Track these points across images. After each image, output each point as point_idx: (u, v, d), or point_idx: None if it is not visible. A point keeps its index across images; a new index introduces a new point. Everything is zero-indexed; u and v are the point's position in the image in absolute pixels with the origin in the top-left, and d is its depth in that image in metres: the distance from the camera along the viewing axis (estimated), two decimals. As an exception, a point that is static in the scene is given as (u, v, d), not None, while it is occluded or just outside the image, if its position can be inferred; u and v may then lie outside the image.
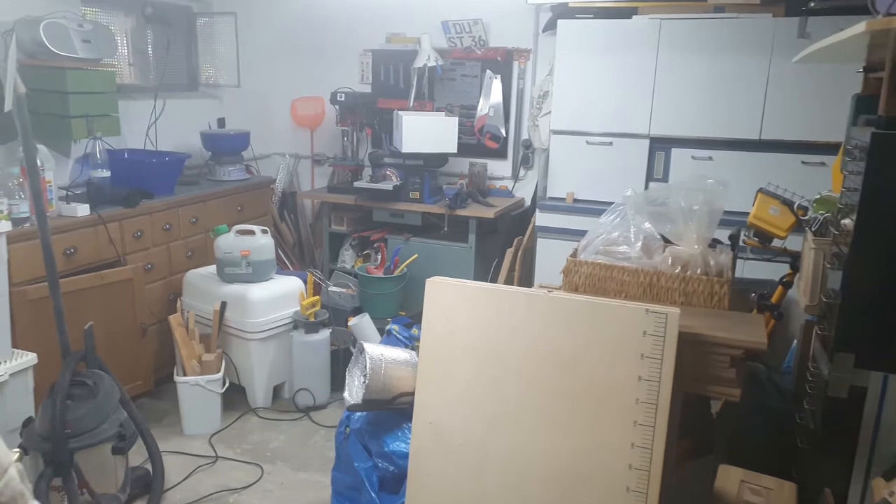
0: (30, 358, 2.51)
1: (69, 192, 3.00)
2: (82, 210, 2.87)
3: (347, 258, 4.39)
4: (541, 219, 3.65)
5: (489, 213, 3.74)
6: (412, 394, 1.87)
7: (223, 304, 3.14)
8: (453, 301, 1.79)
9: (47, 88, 2.99)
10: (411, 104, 4.13)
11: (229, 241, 3.21)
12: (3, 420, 2.39)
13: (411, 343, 2.48)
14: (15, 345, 2.55)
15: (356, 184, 4.01)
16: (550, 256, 3.53)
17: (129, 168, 3.30)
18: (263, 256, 3.24)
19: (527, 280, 3.73)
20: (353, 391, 2.14)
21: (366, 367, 2.05)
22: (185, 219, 3.44)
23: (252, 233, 3.24)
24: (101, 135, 3.06)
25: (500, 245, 3.90)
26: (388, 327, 2.63)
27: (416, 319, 3.95)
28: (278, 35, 4.55)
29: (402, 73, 4.26)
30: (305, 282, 3.43)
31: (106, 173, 3.08)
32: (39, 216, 2.32)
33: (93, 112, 3.08)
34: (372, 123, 4.31)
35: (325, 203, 4.25)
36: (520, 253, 3.72)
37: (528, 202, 4.09)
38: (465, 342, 1.76)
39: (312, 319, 3.21)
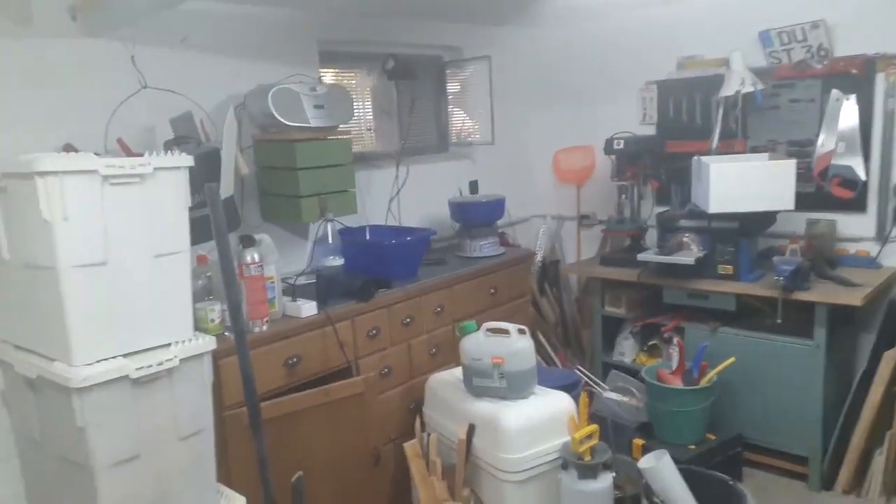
0: (237, 504, 1.99)
1: (296, 286, 2.53)
2: (307, 309, 2.35)
3: (626, 350, 3.41)
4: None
5: (852, 298, 2.50)
6: None
7: (471, 429, 2.39)
8: None
9: (278, 165, 2.59)
10: (714, 145, 3.07)
11: (478, 344, 2.46)
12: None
13: None
14: (226, 480, 2.06)
15: (640, 256, 3.04)
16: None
17: (365, 253, 2.77)
18: (521, 365, 2.43)
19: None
20: None
21: None
22: (429, 309, 2.80)
23: (506, 332, 2.46)
24: (332, 215, 2.57)
25: (867, 342, 2.60)
26: None
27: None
28: (537, 77, 3.84)
29: (698, 106, 3.23)
30: (574, 391, 2.56)
31: (338, 261, 2.57)
32: (237, 336, 1.80)
33: (326, 189, 2.61)
34: (658, 174, 3.33)
35: (596, 279, 3.35)
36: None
37: (908, 276, 2.73)
38: None
39: (588, 459, 2.29)
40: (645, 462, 2.38)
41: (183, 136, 2.29)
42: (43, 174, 1.58)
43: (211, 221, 1.72)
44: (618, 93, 3.58)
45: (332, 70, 3.13)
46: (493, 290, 3.11)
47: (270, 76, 2.63)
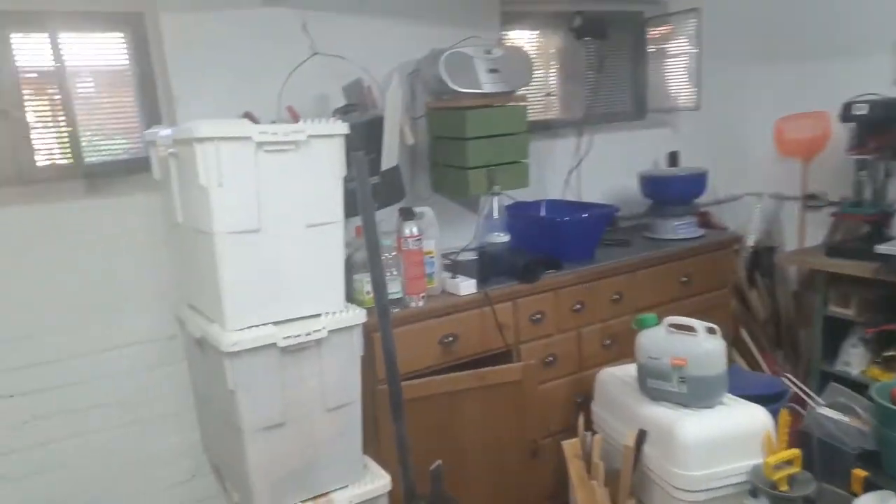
0: (383, 483, 1.95)
1: (457, 263, 2.41)
2: (466, 287, 2.23)
3: (853, 359, 2.83)
4: None
5: None
6: None
7: (641, 434, 2.10)
8: None
9: (448, 135, 2.47)
10: None
11: (657, 341, 2.15)
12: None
13: None
14: (375, 455, 2.04)
15: (880, 247, 2.46)
16: None
17: (534, 230, 2.57)
18: (706, 370, 2.07)
19: None
20: None
21: None
22: (605, 295, 2.52)
23: (692, 330, 2.12)
24: (499, 189, 2.39)
25: None
26: None
27: None
28: (756, 32, 3.28)
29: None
30: (777, 403, 2.14)
31: (503, 238, 2.40)
32: (380, 314, 1.72)
33: (496, 160, 2.44)
34: (914, 147, 2.66)
35: (820, 272, 2.79)
36: None
37: None
38: None
39: (785, 489, 1.90)
40: (865, 501, 1.92)
41: (352, 104, 2.26)
42: (201, 140, 1.61)
43: (358, 188, 1.64)
44: (862, 47, 2.92)
45: (514, 31, 2.92)
46: (684, 279, 2.73)
47: (447, 40, 2.50)
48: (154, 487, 2.24)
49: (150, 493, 2.24)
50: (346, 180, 1.83)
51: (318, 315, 1.82)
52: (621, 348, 2.54)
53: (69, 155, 2.12)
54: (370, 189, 1.63)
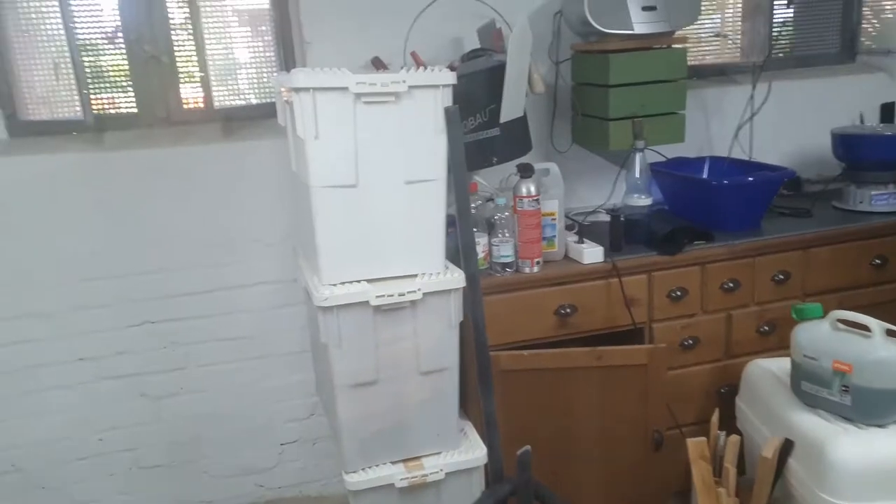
0: (479, 454, 1.86)
1: (584, 226, 2.17)
2: (592, 255, 2.00)
3: None
4: None
5: None
6: None
7: (786, 446, 1.78)
8: None
9: (591, 81, 2.21)
10: None
11: (817, 337, 1.78)
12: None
13: None
14: (476, 422, 1.95)
15: None
16: None
17: (684, 192, 2.23)
18: (879, 382, 1.67)
19: None
20: None
21: None
22: (765, 274, 2.15)
23: (866, 330, 1.72)
24: (643, 144, 2.10)
25: None
26: None
27: None
28: None
29: None
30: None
31: (645, 200, 2.11)
32: (469, 280, 1.59)
33: (645, 110, 2.13)
34: None
35: None
36: None
37: None
38: None
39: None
40: None
41: (483, 49, 2.08)
42: (298, 90, 1.56)
43: (448, 144, 1.50)
44: None
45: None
46: (877, 261, 2.23)
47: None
48: (275, 420, 2.38)
49: (271, 425, 2.37)
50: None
51: (415, 276, 1.74)
52: (782, 338, 2.17)
53: (209, 99, 2.22)
54: (461, 144, 1.48)
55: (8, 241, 2.06)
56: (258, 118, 2.26)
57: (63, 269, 2.11)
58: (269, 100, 2.29)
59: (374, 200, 1.67)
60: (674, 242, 2.04)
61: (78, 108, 2.14)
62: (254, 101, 2.29)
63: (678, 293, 2.08)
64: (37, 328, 2.12)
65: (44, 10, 2.08)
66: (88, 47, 2.12)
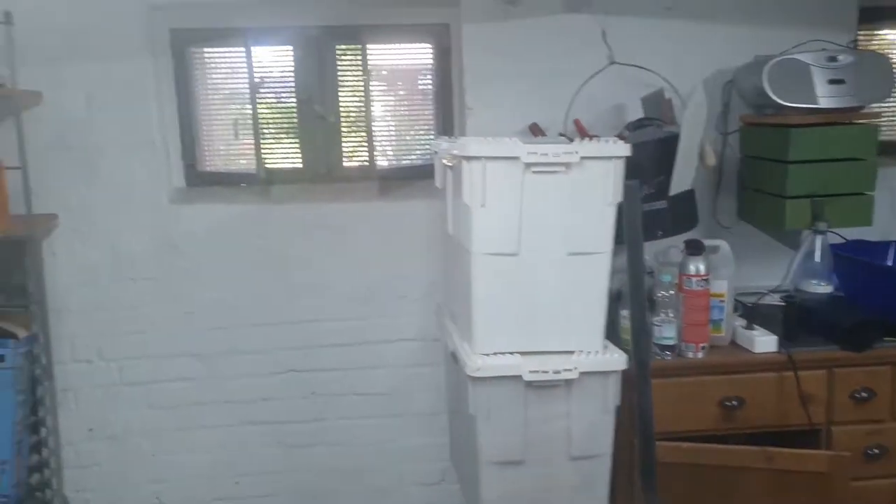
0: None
1: (755, 310, 1.98)
2: (764, 344, 1.82)
3: None
4: None
5: None
6: None
7: None
8: None
9: (766, 156, 2.06)
10: None
11: None
12: None
13: None
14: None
15: None
16: None
17: (871, 280, 1.99)
18: None
19: None
20: None
21: None
22: (972, 382, 1.86)
23: None
24: (826, 225, 1.91)
25: None
26: None
27: None
28: None
29: None
30: None
31: (825, 286, 1.91)
32: (638, 366, 1.47)
33: (827, 189, 1.95)
34: None
35: None
36: None
37: None
38: None
39: None
40: None
41: (649, 118, 2.01)
42: (468, 158, 1.55)
43: (624, 221, 1.42)
44: None
45: (876, 32, 2.32)
46: None
47: (777, 45, 2.07)
48: (404, 481, 2.32)
49: (401, 485, 2.32)
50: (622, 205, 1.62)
51: (572, 352, 1.65)
52: None
53: (368, 158, 2.28)
54: (640, 222, 1.39)
55: (178, 283, 2.19)
56: (412, 178, 2.29)
57: (222, 313, 2.21)
58: (423, 161, 2.32)
59: (535, 270, 1.61)
60: (862, 337, 1.82)
61: (246, 161, 2.27)
62: (410, 162, 2.33)
63: (864, 394, 1.84)
64: (193, 368, 2.22)
65: (229, 70, 2.25)
66: (263, 106, 2.25)
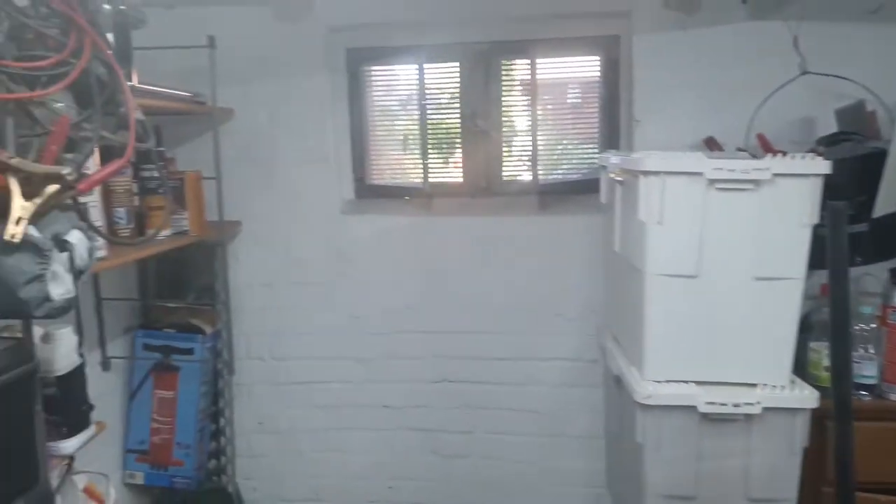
0: None
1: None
2: None
3: None
4: None
5: None
6: None
7: None
8: None
9: None
10: None
11: None
12: None
13: None
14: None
15: None
16: None
17: None
18: None
19: None
20: None
21: None
22: None
23: None
24: None
25: None
26: None
27: None
28: None
29: None
30: None
31: None
32: (837, 405, 1.32)
33: None
34: None
35: None
36: None
37: None
38: None
39: None
40: None
41: (846, 133, 1.82)
42: (646, 173, 1.49)
43: (828, 246, 1.29)
44: None
45: None
46: None
47: None
48: (555, 503, 2.27)
49: (551, 508, 2.28)
50: (817, 226, 1.48)
51: (754, 385, 1.53)
52: None
53: (529, 173, 2.26)
54: (846, 244, 1.25)
55: (344, 289, 2.29)
56: (571, 193, 2.24)
57: (383, 320, 2.28)
58: (583, 175, 2.26)
59: (716, 294, 1.51)
60: None
61: (409, 175, 2.34)
62: (570, 177, 2.28)
63: None
64: (354, 370, 2.32)
65: (398, 86, 2.33)
66: (428, 121, 2.30)
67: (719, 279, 1.50)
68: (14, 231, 1.08)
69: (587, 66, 2.23)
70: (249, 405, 2.38)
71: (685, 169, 1.47)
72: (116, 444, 2.18)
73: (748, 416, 1.50)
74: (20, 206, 1.10)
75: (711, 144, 2.00)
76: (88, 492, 1.55)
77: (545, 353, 2.23)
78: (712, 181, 1.46)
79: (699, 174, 1.46)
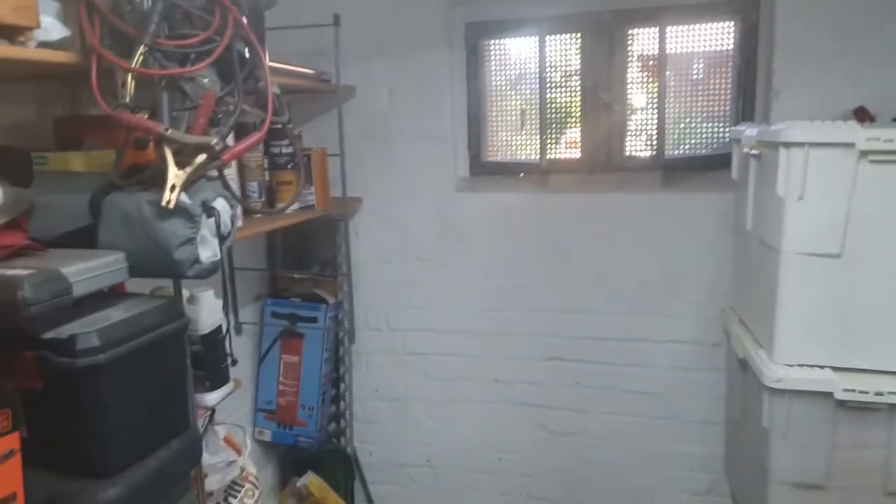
0: None
1: None
2: None
3: None
4: None
5: None
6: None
7: None
8: None
9: None
10: None
11: None
12: None
13: None
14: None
15: None
16: None
17: None
18: None
19: None
20: None
21: None
22: None
23: None
24: None
25: None
26: None
27: None
28: None
29: None
30: None
31: None
32: None
33: None
34: None
35: None
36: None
37: None
38: None
39: None
40: None
41: None
42: (787, 145, 1.40)
43: None
44: None
45: None
46: None
47: None
48: (668, 486, 2.21)
49: (664, 490, 2.22)
50: None
51: (900, 374, 1.41)
52: None
53: (654, 147, 2.19)
54: None
55: (458, 265, 2.32)
56: (698, 169, 2.15)
57: (496, 296, 2.29)
58: (711, 150, 2.16)
59: (862, 276, 1.40)
60: None
61: (525, 151, 2.32)
62: (697, 152, 2.18)
63: None
64: (467, 344, 2.35)
65: (518, 60, 2.31)
66: (548, 95, 2.27)
67: (867, 259, 1.39)
68: (169, 197, 1.18)
69: (719, 36, 2.12)
70: (367, 373, 2.48)
71: (833, 139, 1.36)
72: (248, 402, 2.34)
73: (892, 406, 1.39)
74: (174, 175, 1.20)
75: (861, 115, 1.85)
76: (227, 441, 1.68)
77: (660, 336, 2.16)
78: (864, 153, 1.35)
79: (850, 145, 1.35)
